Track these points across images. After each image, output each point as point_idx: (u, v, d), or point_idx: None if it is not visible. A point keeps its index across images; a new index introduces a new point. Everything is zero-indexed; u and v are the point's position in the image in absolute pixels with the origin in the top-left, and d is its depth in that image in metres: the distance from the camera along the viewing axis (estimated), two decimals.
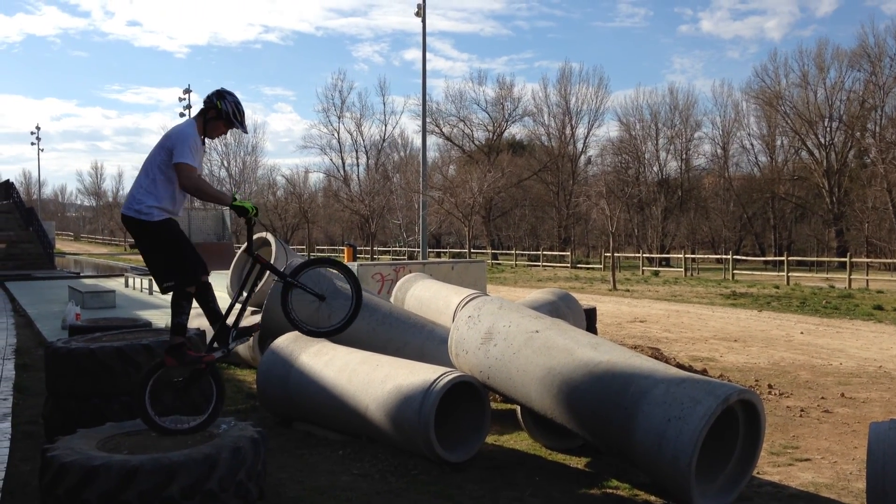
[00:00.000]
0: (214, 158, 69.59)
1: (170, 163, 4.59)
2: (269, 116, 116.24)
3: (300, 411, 6.48)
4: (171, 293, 4.70)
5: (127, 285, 21.73)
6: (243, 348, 8.56)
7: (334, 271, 5.31)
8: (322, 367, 6.25)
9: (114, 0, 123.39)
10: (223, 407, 4.89)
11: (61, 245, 68.75)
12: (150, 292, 19.28)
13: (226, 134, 5.02)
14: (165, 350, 4.72)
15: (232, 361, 8.93)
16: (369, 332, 7.30)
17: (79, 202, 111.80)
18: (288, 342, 6.60)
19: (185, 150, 4.56)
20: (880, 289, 25.50)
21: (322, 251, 60.35)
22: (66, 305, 13.61)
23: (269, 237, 9.38)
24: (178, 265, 4.65)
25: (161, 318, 12.57)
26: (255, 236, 9.75)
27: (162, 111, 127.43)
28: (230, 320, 4.88)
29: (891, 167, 42.77)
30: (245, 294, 4.97)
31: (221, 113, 4.78)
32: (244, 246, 4.83)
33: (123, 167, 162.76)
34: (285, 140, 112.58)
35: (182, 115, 55.19)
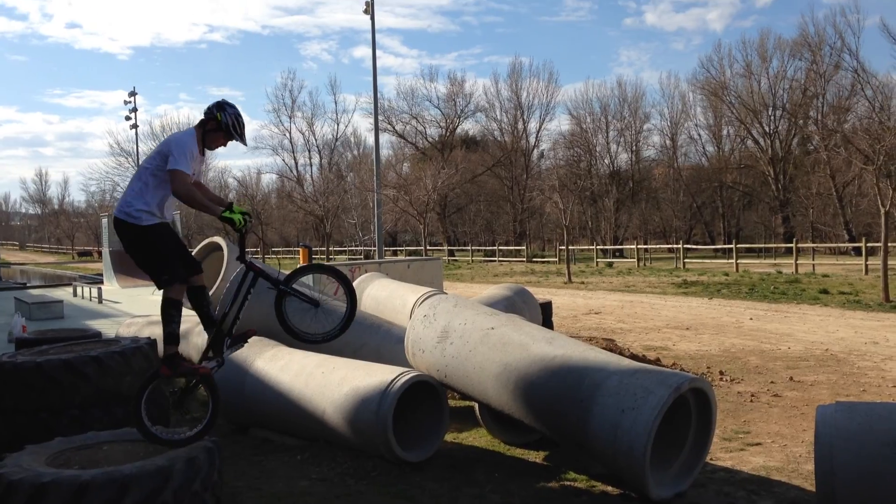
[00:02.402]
0: None
1: (164, 168, 4.59)
2: None
3: (257, 417, 6.42)
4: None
5: (76, 295, 21.20)
6: (196, 354, 8.42)
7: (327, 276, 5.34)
8: (278, 372, 6.20)
9: (52, 2, 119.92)
10: (218, 417, 4.84)
11: (6, 255, 66.81)
12: (100, 301, 18.86)
13: (225, 145, 5.01)
14: (161, 360, 4.69)
15: None
16: None
17: (24, 210, 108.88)
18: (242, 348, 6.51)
19: (180, 158, 4.57)
20: (826, 273, 26.22)
21: (277, 253, 59.74)
22: (13, 318, 13.22)
23: (221, 241, 9.24)
24: (163, 266, 4.67)
25: (111, 327, 12.30)
26: (205, 241, 9.60)
27: (106, 115, 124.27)
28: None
29: (833, 154, 43.94)
30: (238, 301, 4.91)
31: (221, 125, 4.81)
32: (232, 253, 4.86)
33: (69, 173, 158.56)
34: (235, 141, 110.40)
35: (128, 118, 53.95)
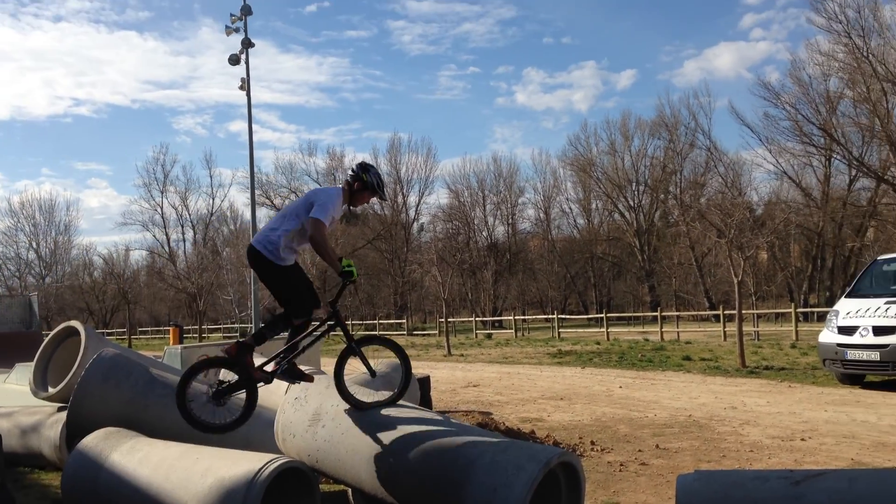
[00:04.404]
0: (22, 240, 64.56)
1: (307, 214, 5.20)
2: (83, 193, 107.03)
3: None
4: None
5: None
6: (48, 448, 7.83)
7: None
8: (136, 465, 5.83)
9: None
10: (252, 413, 5.48)
11: None
12: None
13: (368, 202, 5.76)
14: (236, 341, 5.41)
15: (35, 464, 8.12)
16: None
17: None
18: (97, 441, 6.11)
19: (324, 209, 5.18)
20: (689, 339, 27.65)
21: (145, 333, 56.96)
22: None
23: (78, 326, 8.73)
24: (294, 302, 5.41)
25: None
26: (61, 325, 9.06)
27: None
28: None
29: (692, 226, 46.95)
30: (306, 342, 5.52)
31: (367, 184, 5.44)
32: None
33: None
34: (101, 217, 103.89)
35: None
